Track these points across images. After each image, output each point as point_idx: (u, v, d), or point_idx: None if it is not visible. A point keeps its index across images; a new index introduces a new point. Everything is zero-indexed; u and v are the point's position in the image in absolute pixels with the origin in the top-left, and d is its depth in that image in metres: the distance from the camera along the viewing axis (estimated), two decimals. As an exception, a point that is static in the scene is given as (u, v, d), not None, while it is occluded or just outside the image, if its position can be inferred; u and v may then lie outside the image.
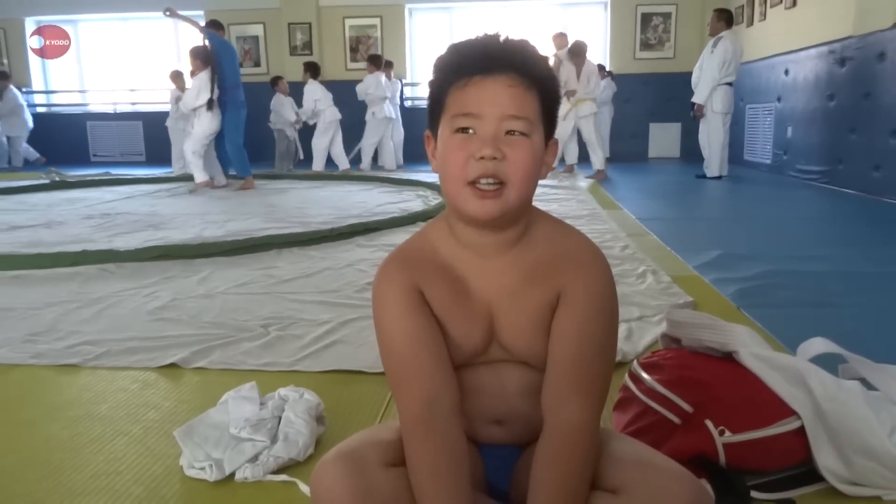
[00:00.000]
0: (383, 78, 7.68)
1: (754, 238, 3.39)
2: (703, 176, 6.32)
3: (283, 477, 1.12)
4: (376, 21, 9.20)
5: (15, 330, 1.97)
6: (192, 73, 5.86)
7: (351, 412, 1.39)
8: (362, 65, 7.94)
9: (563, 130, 6.63)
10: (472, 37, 0.83)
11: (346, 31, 9.26)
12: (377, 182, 6.37)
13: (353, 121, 7.76)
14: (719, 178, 6.20)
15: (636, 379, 1.17)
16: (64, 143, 9.58)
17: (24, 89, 9.35)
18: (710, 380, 1.10)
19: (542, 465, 0.78)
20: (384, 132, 7.86)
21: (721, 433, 1.03)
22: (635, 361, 1.21)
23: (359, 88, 7.65)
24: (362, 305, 2.16)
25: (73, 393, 1.55)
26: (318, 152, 7.62)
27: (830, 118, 5.54)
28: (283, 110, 7.79)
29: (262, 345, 1.81)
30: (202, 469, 1.12)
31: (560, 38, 6.93)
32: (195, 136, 5.88)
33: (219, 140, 6.04)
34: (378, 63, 7.72)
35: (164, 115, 8.05)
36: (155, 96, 9.34)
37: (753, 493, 1.02)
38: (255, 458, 1.14)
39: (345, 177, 6.89)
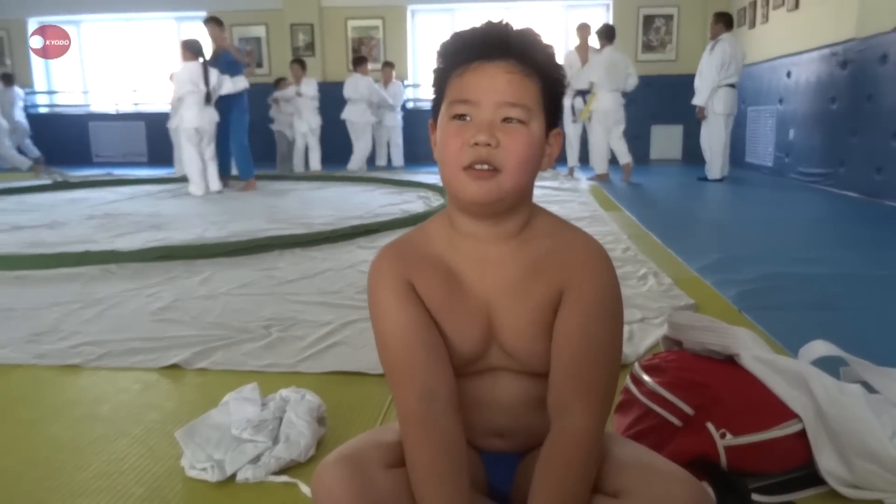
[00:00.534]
0: (366, 80, 7.67)
1: (756, 240, 3.38)
2: (705, 178, 6.31)
3: (284, 478, 1.12)
4: (378, 22, 9.19)
5: (17, 330, 1.98)
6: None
7: (352, 413, 1.39)
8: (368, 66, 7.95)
9: (595, 135, 6.45)
10: (476, 24, 0.82)
11: (349, 33, 9.26)
12: (379, 183, 6.38)
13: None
14: (720, 180, 6.19)
15: (637, 381, 1.16)
16: (66, 144, 9.60)
17: (26, 90, 9.35)
18: (712, 382, 1.10)
19: (544, 470, 0.77)
20: (370, 133, 7.89)
21: (722, 436, 1.03)
22: (636, 363, 1.21)
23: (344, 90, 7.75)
24: (364, 307, 2.14)
25: (75, 393, 1.55)
26: (314, 151, 7.74)
27: (832, 121, 5.53)
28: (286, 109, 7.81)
29: (264, 346, 1.81)
30: (203, 470, 1.12)
31: (584, 30, 6.68)
32: (182, 128, 5.68)
33: (223, 140, 6.03)
34: (358, 64, 7.75)
35: (167, 115, 8.02)
36: (157, 97, 9.34)
37: (755, 496, 1.02)
38: (256, 459, 1.14)
39: (346, 178, 6.90)
